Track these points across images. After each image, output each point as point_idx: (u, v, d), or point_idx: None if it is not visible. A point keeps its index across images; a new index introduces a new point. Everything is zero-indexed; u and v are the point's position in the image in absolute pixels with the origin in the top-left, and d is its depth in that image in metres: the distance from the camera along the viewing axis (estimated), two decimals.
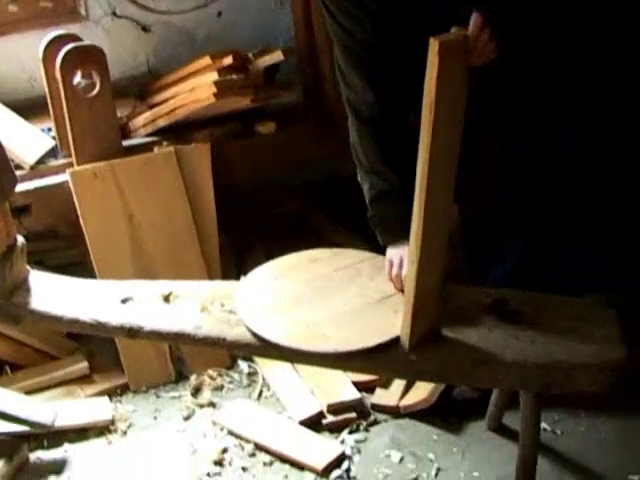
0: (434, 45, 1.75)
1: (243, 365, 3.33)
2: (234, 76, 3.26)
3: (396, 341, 2.23)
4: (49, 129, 3.35)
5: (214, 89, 3.18)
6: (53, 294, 2.42)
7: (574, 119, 2.79)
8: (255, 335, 2.26)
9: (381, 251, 2.65)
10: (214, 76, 3.23)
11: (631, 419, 2.99)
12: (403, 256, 2.42)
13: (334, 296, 2.41)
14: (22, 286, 2.43)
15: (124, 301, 2.41)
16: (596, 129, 2.86)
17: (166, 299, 2.42)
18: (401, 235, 2.43)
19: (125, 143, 3.35)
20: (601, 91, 2.81)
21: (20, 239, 2.43)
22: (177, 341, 2.40)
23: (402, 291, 2.37)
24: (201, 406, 3.13)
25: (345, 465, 2.82)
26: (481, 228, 3.07)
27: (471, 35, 1.99)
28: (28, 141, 3.27)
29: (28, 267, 2.49)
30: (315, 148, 3.65)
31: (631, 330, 2.34)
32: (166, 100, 3.44)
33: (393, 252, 2.55)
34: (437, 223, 1.99)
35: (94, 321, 2.32)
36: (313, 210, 3.97)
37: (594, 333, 2.30)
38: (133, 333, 2.32)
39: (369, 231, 3.34)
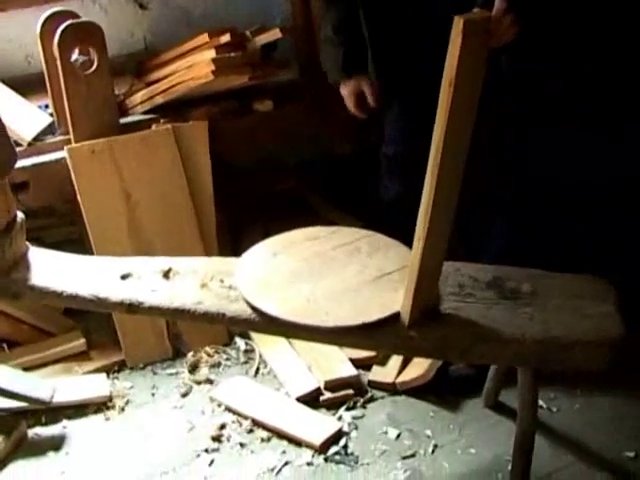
0: (458, 24, 1.76)
1: (240, 342, 3.34)
2: (232, 54, 3.26)
3: (396, 317, 2.23)
4: (46, 106, 3.35)
5: (212, 67, 3.18)
6: (52, 270, 2.42)
7: (581, 104, 2.82)
8: (255, 310, 2.26)
9: (378, 230, 2.66)
10: (212, 54, 3.23)
11: (626, 398, 3.01)
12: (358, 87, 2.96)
13: (333, 273, 2.41)
14: (21, 262, 2.42)
15: (124, 277, 2.41)
16: (603, 115, 2.88)
17: (165, 275, 2.42)
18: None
19: (122, 120, 3.34)
20: (610, 78, 2.84)
21: (20, 215, 2.42)
22: (177, 317, 2.40)
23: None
24: (198, 383, 3.14)
25: (342, 441, 2.84)
26: (475, 208, 3.08)
27: (494, 18, 2.01)
28: (25, 118, 3.25)
29: (27, 243, 2.48)
30: (312, 126, 3.66)
31: (627, 309, 2.35)
32: (163, 78, 3.43)
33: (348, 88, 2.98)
34: (447, 200, 1.99)
35: (94, 297, 2.32)
36: (310, 188, 3.97)
37: (592, 310, 2.31)
38: (133, 309, 2.32)
39: (366, 209, 3.37)
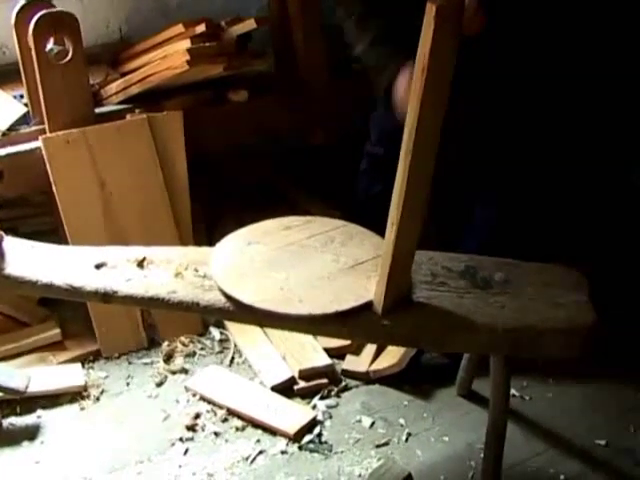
0: (431, 10, 1.77)
1: (215, 332, 3.35)
2: (207, 44, 3.25)
3: (369, 306, 2.24)
4: (21, 96, 3.34)
5: (187, 57, 3.17)
6: (27, 260, 2.41)
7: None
8: (229, 299, 2.27)
9: (352, 221, 2.67)
10: (187, 44, 3.22)
11: (598, 386, 3.06)
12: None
13: (307, 261, 2.42)
14: None
15: (98, 266, 2.40)
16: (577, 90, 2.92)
17: (140, 264, 2.42)
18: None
19: (97, 110, 3.33)
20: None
21: None
22: (151, 306, 2.40)
23: None
24: (173, 372, 3.15)
25: (317, 430, 2.86)
26: (450, 195, 3.11)
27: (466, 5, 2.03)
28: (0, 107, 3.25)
29: (1, 233, 2.48)
30: (287, 117, 3.66)
31: (598, 298, 2.38)
32: (138, 68, 3.42)
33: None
34: (420, 185, 2.00)
35: (69, 286, 2.32)
36: (285, 179, 3.98)
37: (564, 299, 2.34)
38: (107, 298, 2.32)
39: (341, 200, 3.38)
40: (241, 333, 3.29)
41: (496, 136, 2.90)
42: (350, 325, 2.25)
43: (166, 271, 2.39)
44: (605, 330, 2.37)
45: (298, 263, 2.42)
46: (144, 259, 2.43)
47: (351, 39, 2.89)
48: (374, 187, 3.21)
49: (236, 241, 2.55)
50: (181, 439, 2.84)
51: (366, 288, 2.29)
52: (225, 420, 2.91)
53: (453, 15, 1.79)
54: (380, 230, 2.42)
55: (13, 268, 2.37)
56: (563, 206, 3.30)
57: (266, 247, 2.50)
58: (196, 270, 2.39)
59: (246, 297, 2.26)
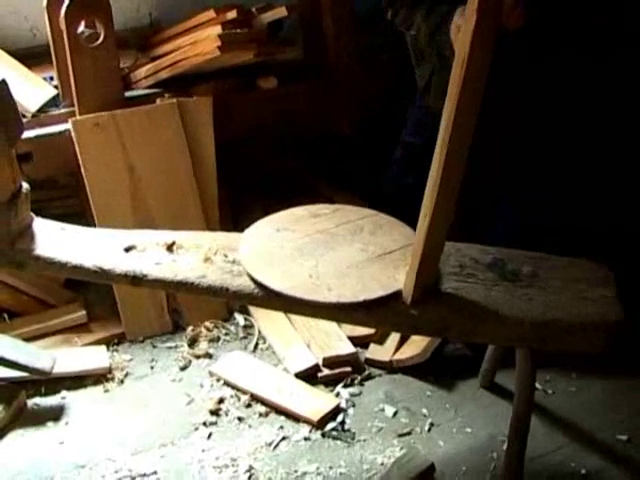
0: (473, 2, 1.77)
1: (239, 318, 3.36)
2: (238, 30, 3.25)
3: (397, 295, 2.25)
4: (51, 78, 3.35)
5: (218, 42, 3.18)
6: (57, 241, 2.43)
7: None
8: (258, 285, 2.28)
9: (380, 210, 2.67)
10: (218, 30, 3.23)
11: (620, 382, 3.05)
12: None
13: (336, 250, 2.43)
14: (26, 232, 2.42)
15: (127, 250, 2.42)
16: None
17: (169, 248, 2.43)
18: None
19: (127, 94, 3.34)
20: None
21: (25, 186, 2.42)
22: (180, 290, 2.40)
23: None
24: (197, 357, 3.16)
25: (340, 418, 2.87)
26: (475, 187, 3.11)
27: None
28: (30, 89, 3.26)
29: (32, 214, 2.49)
30: (315, 105, 3.67)
31: (625, 296, 2.37)
32: (168, 53, 3.43)
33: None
34: (454, 177, 2.00)
35: (98, 268, 2.33)
36: (311, 167, 3.98)
37: (592, 294, 2.33)
38: (137, 281, 2.33)
39: (366, 189, 3.38)
40: (265, 319, 3.30)
41: (525, 135, 2.90)
42: (378, 314, 2.25)
43: (195, 256, 2.40)
44: (631, 326, 2.37)
45: (327, 251, 2.43)
46: (173, 243, 2.44)
47: (401, 20, 2.90)
48: (405, 177, 3.21)
49: (265, 227, 2.55)
50: (204, 423, 2.85)
51: (394, 278, 2.30)
52: (249, 405, 2.93)
53: (492, 8, 1.79)
54: (407, 219, 2.43)
55: (43, 249, 2.38)
56: (589, 200, 3.28)
57: (295, 234, 2.50)
58: (225, 255, 2.40)
59: (275, 284, 2.27)
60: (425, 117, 3.10)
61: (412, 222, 2.26)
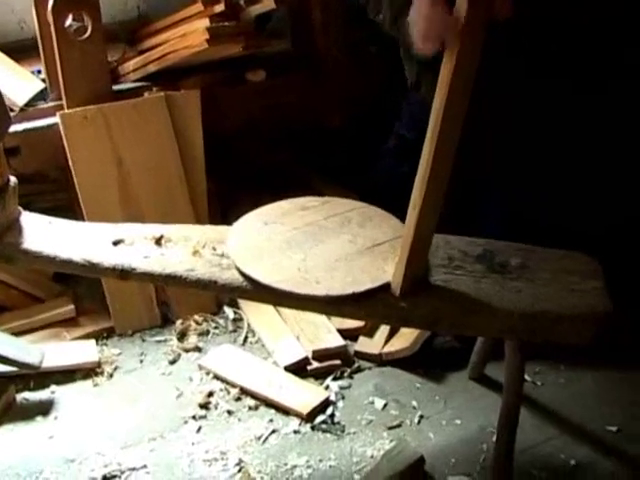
0: None
1: (228, 311, 3.36)
2: (226, 23, 3.24)
3: (386, 287, 2.25)
4: (39, 71, 3.34)
5: (206, 35, 3.16)
6: (45, 235, 2.42)
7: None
8: (247, 278, 2.27)
9: (369, 202, 2.67)
10: (206, 22, 3.21)
11: (610, 373, 3.06)
12: None
13: (325, 242, 2.43)
14: (14, 226, 2.41)
15: (116, 243, 2.41)
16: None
17: (157, 242, 2.42)
18: None
19: (115, 88, 3.33)
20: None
21: (12, 179, 2.41)
22: (168, 283, 2.41)
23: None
24: (187, 350, 3.16)
25: (329, 411, 2.87)
26: (464, 179, 3.11)
27: None
28: (18, 83, 3.24)
29: (20, 208, 2.48)
30: (304, 98, 3.66)
31: (613, 286, 2.38)
32: (156, 46, 3.42)
33: None
34: (443, 168, 2.00)
35: (86, 262, 2.32)
36: (301, 160, 3.97)
37: (580, 285, 2.33)
38: (125, 274, 2.33)
39: (355, 182, 3.38)
40: (255, 313, 3.30)
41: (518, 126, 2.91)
42: (367, 307, 2.25)
43: (184, 249, 2.40)
44: (619, 318, 2.38)
45: (315, 244, 2.42)
46: (162, 237, 2.44)
47: (372, 6, 2.92)
48: (400, 167, 3.21)
49: (253, 221, 2.55)
50: (194, 417, 2.85)
51: (383, 270, 2.30)
52: (238, 399, 2.92)
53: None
54: (398, 210, 2.42)
55: (31, 243, 2.37)
56: (578, 192, 3.28)
57: (283, 227, 2.50)
58: (214, 249, 2.40)
59: (263, 277, 2.26)
60: (420, 113, 3.10)
61: (403, 213, 2.27)
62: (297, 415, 2.84)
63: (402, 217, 2.25)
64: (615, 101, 2.95)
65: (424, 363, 3.08)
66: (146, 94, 3.28)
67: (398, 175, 3.16)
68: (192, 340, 3.20)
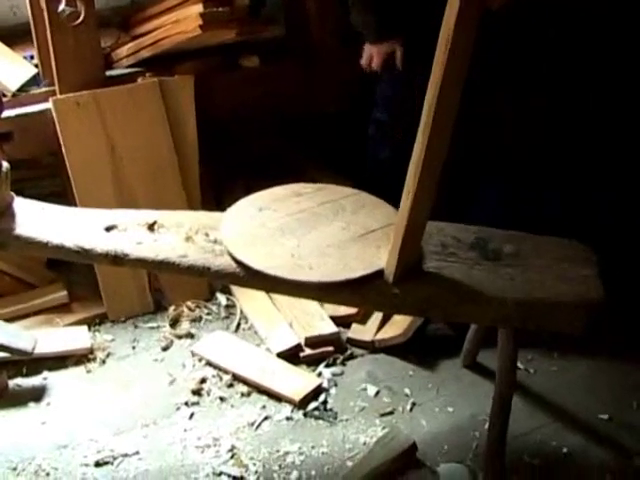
0: None
1: (221, 297, 3.36)
2: (220, 9, 3.23)
3: (380, 274, 2.25)
4: (32, 57, 3.32)
5: (199, 21, 3.14)
6: (38, 221, 2.41)
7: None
8: (240, 264, 2.27)
9: (363, 189, 2.67)
10: (199, 8, 3.20)
11: (602, 361, 3.07)
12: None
13: (318, 229, 2.43)
14: (6, 212, 2.40)
15: (108, 229, 2.40)
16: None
17: (150, 228, 2.42)
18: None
19: (108, 73, 3.32)
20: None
21: (5, 164, 2.40)
22: (161, 270, 2.39)
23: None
24: (179, 337, 3.16)
25: (322, 397, 2.87)
26: (460, 166, 3.11)
27: None
28: (10, 68, 3.23)
29: (12, 193, 2.47)
30: (298, 84, 3.65)
31: (606, 276, 2.38)
32: (150, 31, 3.40)
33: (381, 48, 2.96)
34: (437, 156, 2.00)
35: (79, 248, 2.32)
36: (294, 146, 3.96)
37: (573, 273, 2.34)
38: (118, 261, 2.32)
39: (351, 168, 3.37)
40: (247, 299, 3.30)
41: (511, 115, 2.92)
42: (360, 293, 2.25)
43: (177, 235, 2.39)
44: (612, 306, 2.38)
45: (309, 230, 2.42)
46: (155, 223, 2.43)
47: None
48: (381, 152, 3.23)
49: (247, 207, 2.54)
50: (187, 403, 2.85)
51: (377, 257, 2.30)
52: (231, 385, 2.93)
53: None
54: (391, 195, 2.42)
55: (24, 229, 2.36)
56: (568, 186, 3.28)
57: (277, 214, 2.50)
58: (207, 235, 2.39)
59: (257, 263, 2.26)
60: (390, 92, 3.14)
61: (392, 197, 2.27)
62: (289, 402, 2.84)
63: (393, 203, 2.25)
64: (614, 89, 2.96)
65: (417, 350, 3.08)
66: (139, 80, 3.27)
67: (380, 162, 3.18)
68: (185, 326, 3.20)
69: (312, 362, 3.04)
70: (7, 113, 3.07)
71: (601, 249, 2.53)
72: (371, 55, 3.06)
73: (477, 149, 3.03)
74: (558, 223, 3.00)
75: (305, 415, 2.80)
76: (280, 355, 3.03)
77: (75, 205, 3.10)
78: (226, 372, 2.96)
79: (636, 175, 3.20)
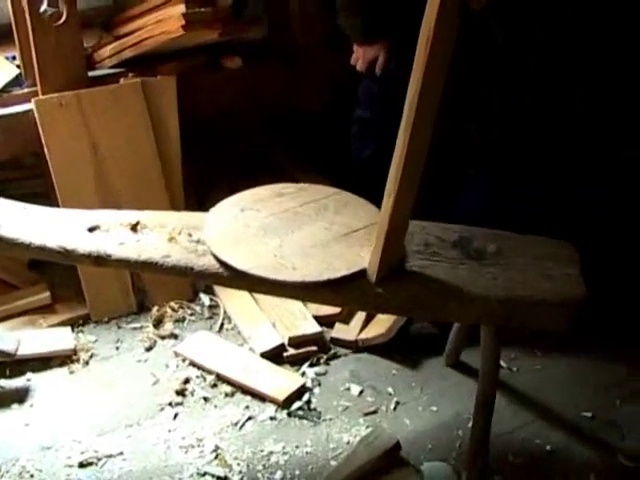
0: None
1: (205, 298, 3.36)
2: (202, 9, 3.22)
3: (362, 274, 2.25)
4: (13, 57, 3.31)
5: (182, 21, 3.14)
6: (20, 222, 2.40)
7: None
8: (223, 264, 2.27)
9: (346, 189, 2.67)
10: (182, 8, 3.19)
11: (585, 360, 3.08)
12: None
13: (301, 229, 2.43)
14: None
15: (91, 229, 2.40)
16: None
17: (133, 228, 2.41)
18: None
19: (91, 74, 3.31)
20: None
21: None
22: (144, 270, 2.39)
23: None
24: (163, 337, 3.16)
25: (306, 397, 2.88)
26: (447, 161, 3.12)
27: None
28: None
29: None
30: (280, 84, 3.65)
31: (588, 272, 2.39)
32: (132, 32, 3.39)
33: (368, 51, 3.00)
34: (418, 156, 2.00)
35: (62, 249, 2.31)
36: (277, 146, 3.97)
37: (555, 271, 2.35)
38: (100, 261, 2.32)
39: (334, 168, 3.38)
40: (231, 299, 3.29)
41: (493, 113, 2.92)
42: (343, 293, 2.25)
43: (159, 235, 2.39)
44: (594, 304, 2.39)
45: (291, 230, 2.42)
46: (137, 223, 2.43)
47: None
48: (364, 151, 3.24)
49: (230, 207, 2.54)
50: (170, 404, 2.85)
51: (359, 256, 2.30)
52: (214, 386, 2.93)
53: None
54: (374, 194, 2.43)
55: (6, 230, 2.35)
56: (555, 183, 3.30)
57: (260, 214, 2.50)
58: (190, 235, 2.39)
59: (239, 263, 2.26)
60: (370, 89, 3.16)
61: (375, 196, 2.27)
62: (273, 402, 2.85)
63: (376, 202, 2.25)
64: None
65: (400, 350, 3.09)
66: (122, 80, 3.26)
67: (363, 160, 3.19)
68: (168, 327, 3.19)
69: (296, 362, 3.04)
70: None
71: (587, 245, 2.54)
72: (357, 57, 3.09)
73: (463, 145, 3.04)
74: (544, 219, 3.01)
75: (289, 415, 2.81)
76: (264, 355, 3.03)
77: (58, 206, 3.09)
78: (210, 372, 2.96)
79: (622, 171, 3.21)
